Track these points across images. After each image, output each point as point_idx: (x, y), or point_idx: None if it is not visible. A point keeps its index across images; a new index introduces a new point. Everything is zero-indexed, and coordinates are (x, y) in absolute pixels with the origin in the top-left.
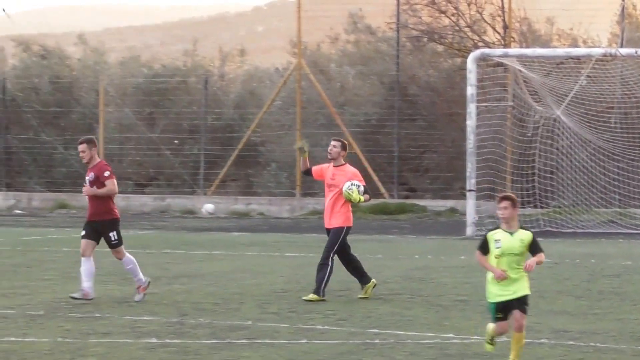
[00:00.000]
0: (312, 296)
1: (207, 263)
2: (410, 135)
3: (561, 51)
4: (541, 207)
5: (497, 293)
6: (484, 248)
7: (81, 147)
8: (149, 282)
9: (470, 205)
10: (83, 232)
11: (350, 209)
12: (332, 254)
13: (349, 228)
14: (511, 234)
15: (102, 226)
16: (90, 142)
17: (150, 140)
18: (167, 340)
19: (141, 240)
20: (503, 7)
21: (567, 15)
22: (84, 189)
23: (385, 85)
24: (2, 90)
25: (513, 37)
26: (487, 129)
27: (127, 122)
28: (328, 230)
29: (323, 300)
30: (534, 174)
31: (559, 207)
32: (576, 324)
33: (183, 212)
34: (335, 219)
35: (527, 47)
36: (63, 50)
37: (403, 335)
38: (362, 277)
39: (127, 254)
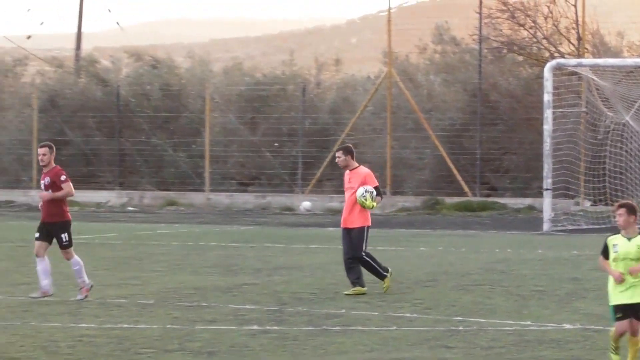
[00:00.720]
0: (353, 290)
1: (304, 256)
2: (492, 138)
3: (631, 61)
4: (612, 205)
5: (616, 296)
6: (605, 253)
7: (42, 151)
8: (92, 286)
9: (546, 203)
10: (37, 234)
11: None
12: (362, 254)
13: (369, 227)
14: (629, 239)
15: (54, 227)
16: (51, 147)
17: (252, 143)
18: (268, 327)
19: (244, 235)
20: (577, 21)
21: (636, 28)
22: (40, 194)
23: (469, 92)
24: (117, 96)
25: (586, 48)
26: (562, 132)
27: (231, 126)
28: (345, 229)
29: (364, 293)
30: (604, 174)
31: None
32: None
33: (282, 209)
34: (355, 220)
35: (599, 57)
36: (172, 60)
37: (485, 323)
38: (359, 279)
39: (76, 256)
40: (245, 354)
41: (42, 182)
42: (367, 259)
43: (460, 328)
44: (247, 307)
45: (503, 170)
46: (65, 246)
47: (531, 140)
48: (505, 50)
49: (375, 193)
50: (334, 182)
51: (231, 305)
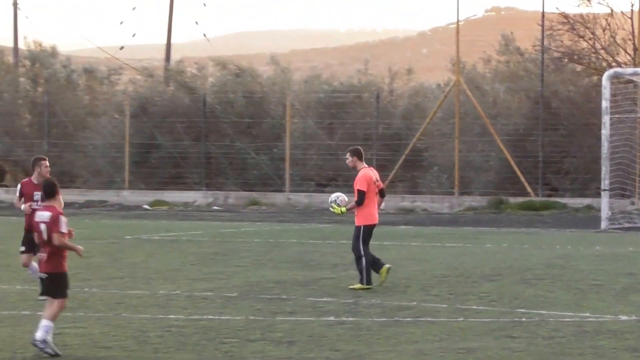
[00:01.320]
0: (358, 285)
1: (378, 252)
2: (553, 142)
3: None
4: None
5: None
6: None
7: (47, 163)
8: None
9: (604, 203)
10: (23, 248)
11: (368, 209)
12: (360, 252)
13: (365, 227)
14: None
15: None
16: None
17: (329, 146)
18: (344, 318)
19: (322, 232)
20: (633, 32)
21: None
22: (27, 207)
23: (531, 99)
24: (203, 103)
25: None
26: (619, 137)
27: (310, 131)
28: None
29: (369, 287)
30: None
31: None
32: None
33: None
34: (355, 219)
35: None
36: (255, 69)
37: (546, 315)
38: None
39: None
40: (322, 343)
41: (37, 192)
42: (362, 257)
43: (523, 319)
44: (324, 299)
45: (563, 172)
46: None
47: (590, 144)
48: (565, 60)
49: (340, 199)
50: (405, 183)
51: (310, 298)
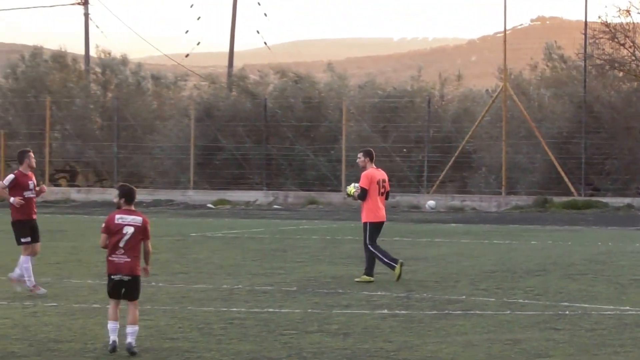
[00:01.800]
0: (363, 277)
1: (429, 248)
2: (595, 144)
3: None
4: None
5: None
6: None
7: (32, 154)
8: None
9: None
10: (28, 239)
11: (370, 206)
12: (368, 246)
13: (371, 223)
14: None
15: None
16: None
17: (383, 149)
18: (397, 311)
19: None
20: None
21: None
22: (43, 188)
23: (575, 104)
24: (264, 108)
25: None
26: None
27: (365, 134)
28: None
29: (372, 281)
30: None
31: None
32: None
33: (410, 207)
34: (361, 216)
35: None
36: (313, 76)
37: (588, 308)
38: (369, 269)
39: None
40: (376, 335)
41: (30, 182)
42: (373, 250)
43: (567, 312)
44: (378, 293)
45: (605, 173)
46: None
47: (630, 146)
48: (607, 67)
49: (357, 187)
50: (455, 183)
51: (364, 292)
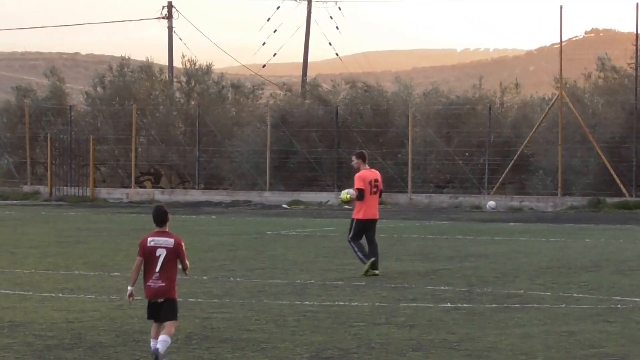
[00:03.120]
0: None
1: (490, 246)
2: None
3: None
4: None
5: None
6: None
7: None
8: None
9: None
10: None
11: (361, 204)
12: (348, 239)
13: (358, 221)
14: None
15: None
16: None
17: (447, 152)
18: (459, 305)
19: (440, 228)
20: None
21: None
22: None
23: (626, 111)
24: (335, 115)
25: None
26: None
27: (430, 139)
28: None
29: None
30: None
31: None
32: None
33: (471, 208)
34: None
35: None
36: (381, 85)
37: (639, 302)
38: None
39: None
40: (440, 327)
41: None
42: (352, 244)
43: (619, 306)
44: (442, 288)
45: None
46: None
47: None
48: None
49: (351, 192)
50: (514, 185)
51: (429, 287)
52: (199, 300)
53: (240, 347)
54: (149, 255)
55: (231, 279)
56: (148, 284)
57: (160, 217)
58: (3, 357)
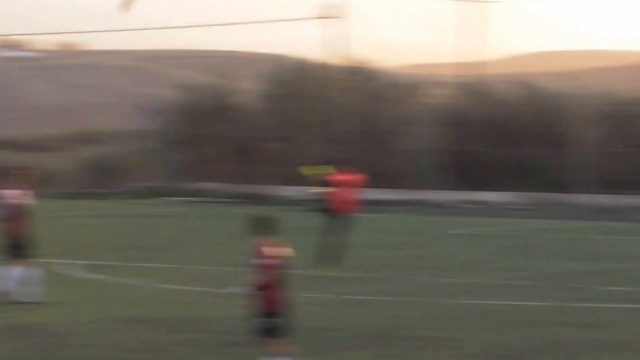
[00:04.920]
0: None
1: None
2: None
3: None
4: None
5: None
6: None
7: None
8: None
9: None
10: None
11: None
12: None
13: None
14: None
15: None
16: None
17: (613, 152)
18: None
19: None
20: None
21: None
22: None
23: None
24: (509, 114)
25: None
26: None
27: (599, 138)
28: None
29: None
30: None
31: None
32: None
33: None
34: None
35: None
36: (553, 85)
37: None
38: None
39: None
40: (625, 328)
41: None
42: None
43: None
44: (620, 288)
45: None
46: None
47: None
48: None
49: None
50: None
51: (605, 288)
52: (388, 298)
53: (417, 345)
54: (264, 267)
55: (415, 278)
56: (265, 295)
57: (266, 226)
58: (186, 352)
